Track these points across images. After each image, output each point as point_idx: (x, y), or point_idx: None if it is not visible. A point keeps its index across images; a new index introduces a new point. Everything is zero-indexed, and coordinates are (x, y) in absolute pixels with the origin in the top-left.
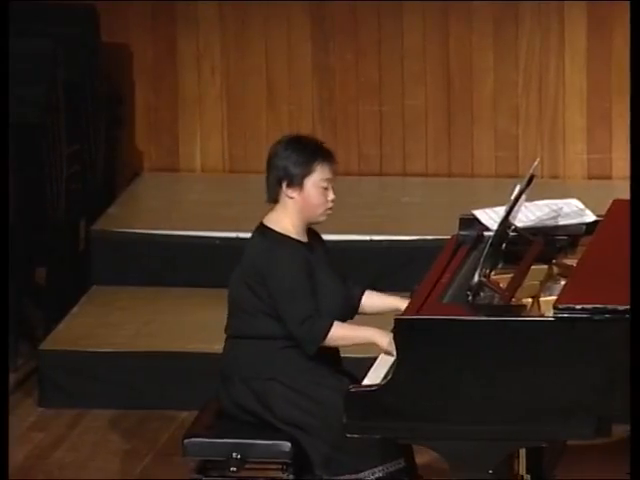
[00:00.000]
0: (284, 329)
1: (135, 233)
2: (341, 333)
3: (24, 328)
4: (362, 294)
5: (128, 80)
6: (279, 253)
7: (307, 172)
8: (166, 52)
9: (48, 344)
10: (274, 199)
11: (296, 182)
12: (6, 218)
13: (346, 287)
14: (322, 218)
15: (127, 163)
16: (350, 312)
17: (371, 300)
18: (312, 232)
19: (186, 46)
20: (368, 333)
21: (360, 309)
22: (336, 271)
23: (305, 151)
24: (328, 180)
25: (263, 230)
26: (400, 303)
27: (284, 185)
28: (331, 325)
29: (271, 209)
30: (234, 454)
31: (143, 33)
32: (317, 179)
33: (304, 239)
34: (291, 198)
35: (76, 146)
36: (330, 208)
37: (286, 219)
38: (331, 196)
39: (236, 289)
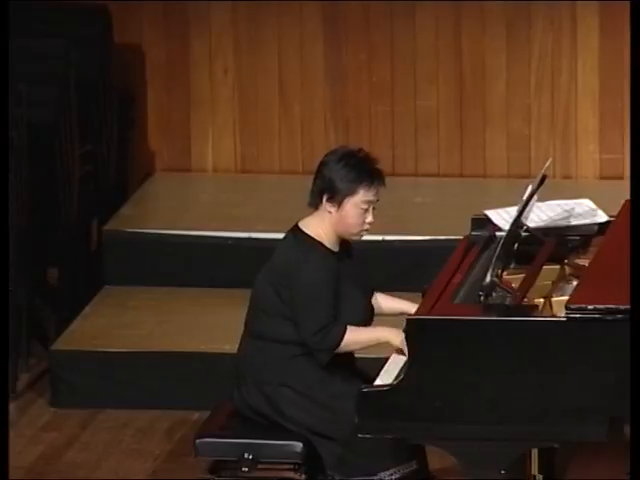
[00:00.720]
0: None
1: (147, 233)
2: (353, 337)
3: (36, 328)
4: (371, 296)
5: (141, 80)
6: (308, 258)
7: (350, 192)
8: (178, 52)
9: (60, 344)
10: (314, 206)
11: (337, 199)
12: (6, 218)
13: (367, 297)
14: (356, 237)
15: (139, 163)
16: (370, 321)
17: (377, 302)
18: (345, 243)
19: (198, 46)
20: (381, 333)
21: None
22: (363, 283)
23: (354, 170)
24: (369, 202)
25: (297, 233)
26: (407, 306)
27: (325, 198)
28: (344, 332)
29: (310, 213)
30: (246, 454)
31: (156, 33)
32: (358, 201)
33: (335, 249)
34: (329, 212)
35: (89, 146)
36: (366, 230)
37: (321, 228)
38: (369, 218)
39: (260, 288)
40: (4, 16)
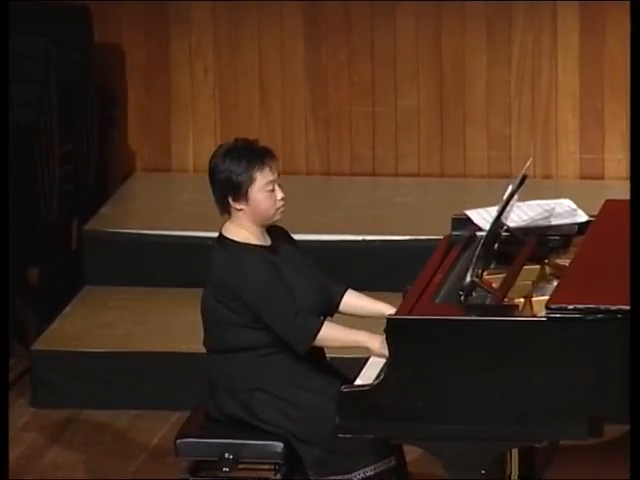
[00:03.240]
0: (262, 338)
1: (127, 233)
2: (332, 333)
3: (16, 328)
4: (344, 292)
5: (121, 80)
6: (243, 264)
7: (249, 182)
8: (159, 52)
9: (40, 344)
10: (226, 212)
11: (241, 194)
12: (6, 218)
13: (320, 283)
14: (277, 217)
15: (120, 163)
16: (327, 309)
17: (353, 300)
18: (276, 231)
19: (179, 46)
20: (359, 337)
21: (341, 308)
22: (309, 267)
23: (242, 160)
24: (272, 182)
25: (223, 242)
26: (382, 307)
27: (230, 199)
28: (322, 324)
29: (227, 218)
30: (226, 454)
31: (136, 33)
32: (260, 185)
33: (265, 242)
34: (240, 210)
35: (69, 146)
36: (282, 206)
37: (242, 229)
38: (279, 195)
39: (209, 306)
40: (4, 16)
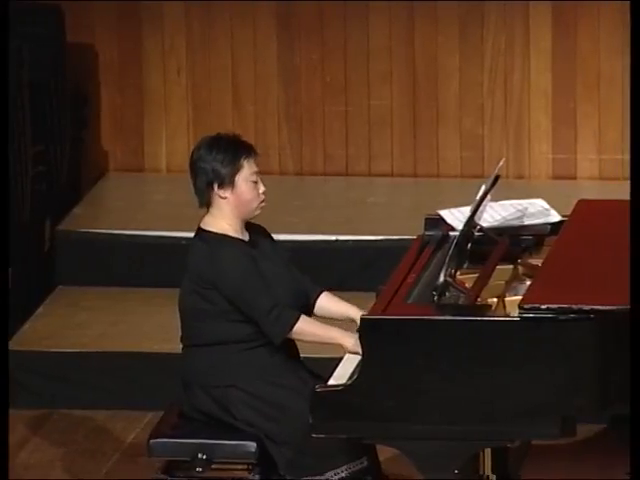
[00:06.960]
0: (239, 331)
1: (100, 233)
2: (308, 327)
3: None
4: (319, 294)
5: (93, 80)
6: (222, 254)
7: (236, 169)
8: (131, 52)
9: (13, 344)
10: (207, 203)
11: (227, 181)
12: (7, 218)
13: (297, 280)
14: (257, 212)
15: (92, 163)
16: (303, 307)
17: (327, 303)
18: (254, 228)
19: (151, 46)
20: (334, 333)
21: (315, 310)
22: (287, 265)
23: (229, 149)
24: (256, 173)
25: (202, 234)
26: (355, 312)
27: (215, 187)
28: (298, 317)
29: (206, 212)
30: (200, 454)
31: (108, 33)
32: (247, 174)
33: (244, 237)
34: (224, 198)
35: (41, 146)
36: (263, 200)
37: (222, 220)
38: (262, 188)
39: (186, 299)
40: (4, 16)
